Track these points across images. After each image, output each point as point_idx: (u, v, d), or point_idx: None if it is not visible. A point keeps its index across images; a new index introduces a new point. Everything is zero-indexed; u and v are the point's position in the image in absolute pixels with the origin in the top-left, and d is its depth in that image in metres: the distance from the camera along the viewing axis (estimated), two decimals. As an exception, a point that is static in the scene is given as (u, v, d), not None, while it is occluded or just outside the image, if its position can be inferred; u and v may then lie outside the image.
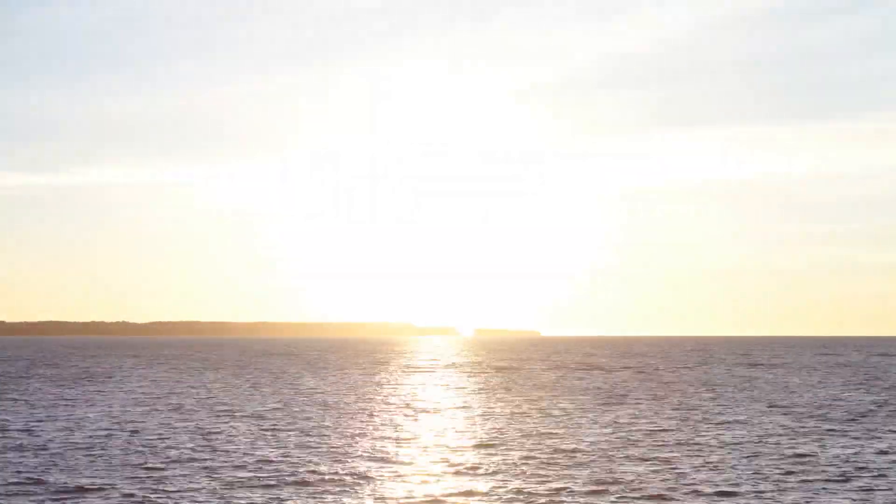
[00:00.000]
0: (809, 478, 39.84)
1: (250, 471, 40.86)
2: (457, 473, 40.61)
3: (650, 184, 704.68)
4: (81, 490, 36.73)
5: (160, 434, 53.66)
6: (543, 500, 35.17)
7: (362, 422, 61.20)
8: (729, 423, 60.45)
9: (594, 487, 37.46)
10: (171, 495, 35.57)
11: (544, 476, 39.87)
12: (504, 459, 44.31)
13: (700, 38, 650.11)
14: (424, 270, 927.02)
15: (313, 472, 40.67)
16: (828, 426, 58.66)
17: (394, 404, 75.41)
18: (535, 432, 55.09)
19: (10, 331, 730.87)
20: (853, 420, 62.70)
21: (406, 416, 65.67)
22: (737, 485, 38.17)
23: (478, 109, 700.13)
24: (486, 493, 36.19)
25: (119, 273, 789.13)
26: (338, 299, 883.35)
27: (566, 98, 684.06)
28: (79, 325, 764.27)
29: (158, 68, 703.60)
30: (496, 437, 52.71)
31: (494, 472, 40.66)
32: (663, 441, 50.95)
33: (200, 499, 35.02)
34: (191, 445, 48.80)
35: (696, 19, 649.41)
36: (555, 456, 45.49)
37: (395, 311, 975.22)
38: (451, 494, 36.00)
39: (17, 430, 55.56)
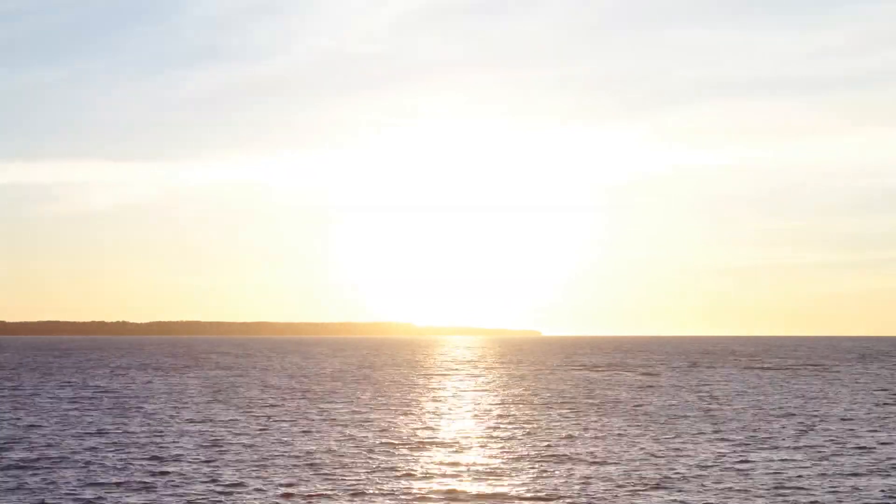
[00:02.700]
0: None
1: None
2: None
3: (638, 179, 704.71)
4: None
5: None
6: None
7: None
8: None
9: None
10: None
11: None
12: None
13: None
14: (424, 270, 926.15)
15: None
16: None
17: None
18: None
19: (10, 331, 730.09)
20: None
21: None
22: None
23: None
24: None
25: (119, 273, 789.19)
26: (338, 299, 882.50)
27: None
28: (79, 325, 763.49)
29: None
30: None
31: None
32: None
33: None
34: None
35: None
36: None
37: (395, 311, 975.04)
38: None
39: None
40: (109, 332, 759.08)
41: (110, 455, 46.29)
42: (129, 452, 47.39)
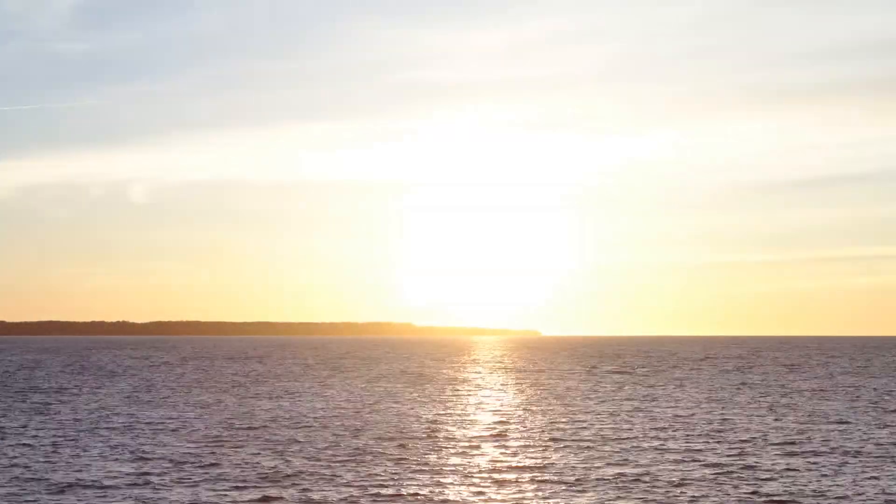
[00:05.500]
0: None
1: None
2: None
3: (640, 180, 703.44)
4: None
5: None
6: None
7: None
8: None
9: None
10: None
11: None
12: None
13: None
14: (424, 270, 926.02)
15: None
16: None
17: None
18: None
19: (10, 331, 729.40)
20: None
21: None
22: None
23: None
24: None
25: (119, 273, 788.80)
26: (337, 298, 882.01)
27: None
28: (79, 324, 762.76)
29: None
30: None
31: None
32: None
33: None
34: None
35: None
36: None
37: (395, 311, 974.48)
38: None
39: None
40: (109, 332, 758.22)
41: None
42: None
